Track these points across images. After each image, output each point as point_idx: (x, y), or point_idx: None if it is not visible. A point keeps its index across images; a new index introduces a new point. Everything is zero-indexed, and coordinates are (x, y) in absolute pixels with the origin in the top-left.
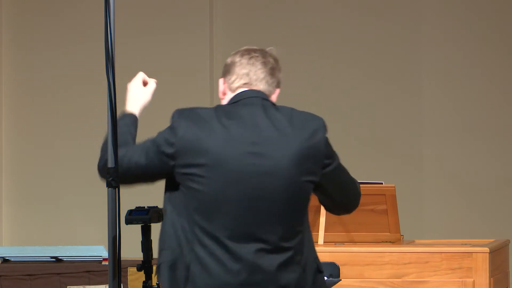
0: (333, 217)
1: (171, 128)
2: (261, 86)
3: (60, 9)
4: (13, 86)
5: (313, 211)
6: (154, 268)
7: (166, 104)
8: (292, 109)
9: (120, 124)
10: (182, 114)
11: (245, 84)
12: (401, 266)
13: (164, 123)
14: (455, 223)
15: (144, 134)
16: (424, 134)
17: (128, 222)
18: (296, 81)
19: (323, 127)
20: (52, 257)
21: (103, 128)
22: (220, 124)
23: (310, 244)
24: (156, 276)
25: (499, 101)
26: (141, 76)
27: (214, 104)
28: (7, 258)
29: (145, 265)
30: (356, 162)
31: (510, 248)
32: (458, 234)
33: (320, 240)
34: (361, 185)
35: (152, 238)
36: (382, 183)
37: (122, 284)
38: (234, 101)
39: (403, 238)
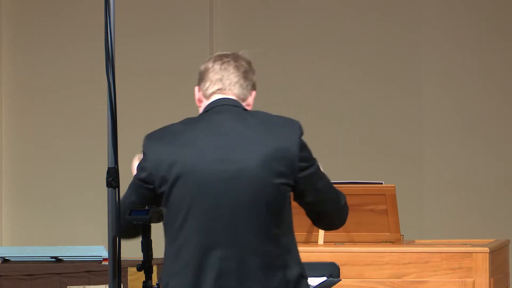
0: None
1: (143, 155)
2: (235, 90)
3: (60, 9)
4: (13, 86)
5: None
6: (155, 268)
7: (166, 104)
8: (265, 114)
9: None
10: (150, 137)
11: (218, 89)
12: (401, 266)
13: (163, 123)
14: (455, 223)
15: (144, 134)
16: (424, 134)
17: (128, 222)
18: (296, 81)
19: (297, 130)
20: (52, 257)
21: (103, 128)
22: (188, 135)
23: (292, 248)
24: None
25: (499, 101)
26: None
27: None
28: (7, 258)
29: (145, 265)
30: (356, 162)
31: (510, 248)
32: (458, 234)
33: (320, 240)
34: (361, 185)
35: (152, 238)
36: (382, 183)
37: (122, 284)
38: (206, 110)
39: (403, 238)
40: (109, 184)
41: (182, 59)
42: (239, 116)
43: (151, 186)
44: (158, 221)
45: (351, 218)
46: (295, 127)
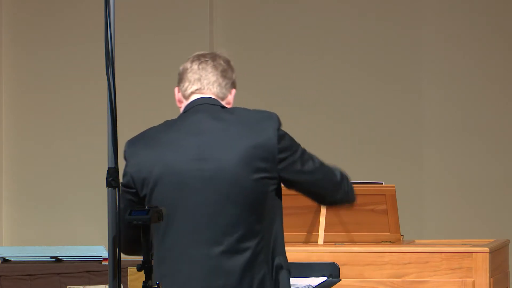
0: (333, 217)
1: (125, 160)
2: (213, 89)
3: (60, 9)
4: (13, 86)
5: (313, 211)
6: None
7: (166, 104)
8: (243, 110)
9: None
10: (130, 143)
11: (197, 89)
12: (401, 266)
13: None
14: (455, 223)
15: None
16: (424, 134)
17: (128, 222)
18: (296, 81)
19: (275, 123)
20: (52, 257)
21: (103, 128)
22: (167, 137)
23: (277, 240)
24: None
25: (499, 101)
26: None
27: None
28: (7, 258)
29: (145, 265)
30: (356, 162)
31: (510, 248)
32: (458, 234)
33: (320, 240)
34: (361, 185)
35: (155, 238)
36: (382, 183)
37: (122, 284)
38: (185, 110)
39: (403, 238)
40: (109, 184)
41: (182, 59)
42: (217, 114)
43: (133, 190)
44: (158, 221)
45: (351, 218)
46: (272, 120)
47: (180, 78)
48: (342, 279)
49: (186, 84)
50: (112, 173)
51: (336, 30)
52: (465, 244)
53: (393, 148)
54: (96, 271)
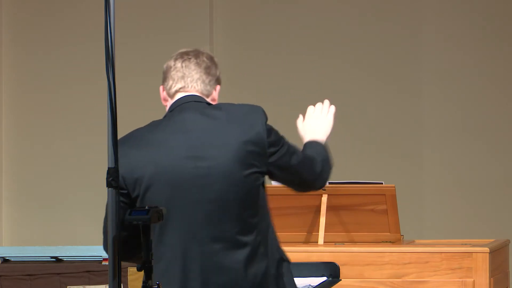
0: (333, 217)
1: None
2: (197, 87)
3: (60, 9)
4: (13, 86)
5: (313, 211)
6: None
7: None
8: (230, 105)
9: None
10: (119, 144)
11: (181, 88)
12: (401, 266)
13: None
14: (455, 223)
15: None
16: (424, 134)
17: (128, 222)
18: (296, 81)
19: (262, 117)
20: (52, 257)
21: (103, 128)
22: (156, 137)
23: (270, 233)
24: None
25: (499, 101)
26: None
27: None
28: (7, 258)
29: (145, 265)
30: (356, 162)
31: (510, 248)
32: (458, 234)
33: (320, 240)
34: (361, 185)
35: (152, 238)
36: (382, 183)
37: (122, 284)
38: (171, 109)
39: (403, 238)
40: (109, 184)
41: None
42: (204, 111)
43: (125, 191)
44: (158, 220)
45: (351, 218)
46: (259, 113)
47: (164, 77)
48: (342, 279)
49: (170, 82)
50: (112, 173)
51: (336, 30)
52: (465, 244)
53: (393, 148)
54: (96, 271)
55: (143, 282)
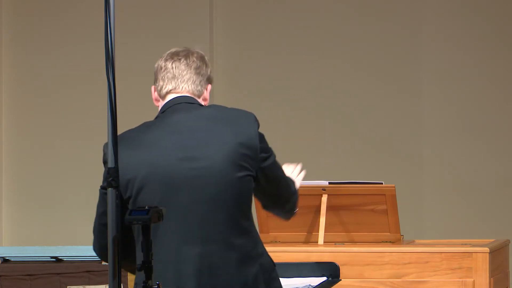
0: (333, 217)
1: (104, 164)
2: (188, 88)
3: (60, 9)
4: (13, 86)
5: (313, 211)
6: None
7: None
8: (222, 107)
9: None
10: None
11: (172, 89)
12: (401, 266)
13: None
14: (455, 223)
15: None
16: (424, 134)
17: (128, 222)
18: (296, 81)
19: (255, 122)
20: (52, 257)
21: (103, 128)
22: (149, 138)
23: (258, 237)
24: None
25: (499, 101)
26: None
27: (215, 103)
28: (7, 258)
29: (145, 265)
30: (356, 162)
31: (510, 248)
32: (458, 234)
33: (320, 240)
34: (361, 185)
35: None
36: (382, 183)
37: (122, 284)
38: (162, 110)
39: (403, 238)
40: (109, 184)
41: None
42: (196, 112)
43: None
44: (158, 220)
45: (351, 218)
46: (252, 119)
47: (155, 77)
48: (342, 279)
49: (161, 83)
50: (112, 173)
51: (336, 30)
52: (465, 244)
53: (393, 148)
54: (96, 271)
55: (143, 282)
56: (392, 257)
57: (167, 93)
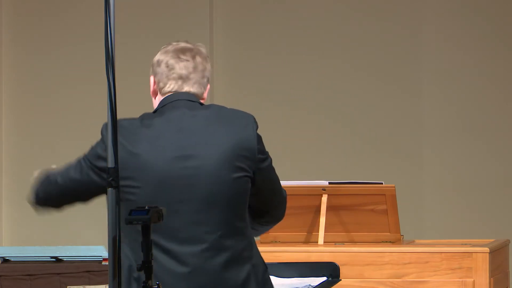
0: (333, 217)
1: (102, 143)
2: (192, 90)
3: (60, 9)
4: (13, 86)
5: (313, 211)
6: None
7: None
8: (220, 107)
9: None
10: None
11: (176, 89)
12: (401, 266)
13: None
14: (455, 223)
15: None
16: (424, 134)
17: (128, 222)
18: (296, 81)
19: (253, 123)
20: (52, 257)
21: None
22: (146, 132)
23: (253, 239)
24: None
25: (499, 101)
26: None
27: (215, 103)
28: (7, 258)
29: (145, 265)
30: (356, 162)
31: (510, 248)
32: (458, 234)
33: (320, 240)
34: (361, 185)
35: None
36: (382, 183)
37: (122, 284)
38: (161, 106)
39: (403, 238)
40: (109, 184)
41: None
42: (196, 111)
43: (105, 176)
44: (158, 220)
45: (351, 218)
46: (251, 120)
47: (157, 71)
48: (342, 279)
49: (165, 81)
50: (112, 173)
51: (336, 30)
52: (465, 244)
53: (393, 148)
54: (96, 271)
55: (143, 282)
56: (392, 257)
57: (169, 91)
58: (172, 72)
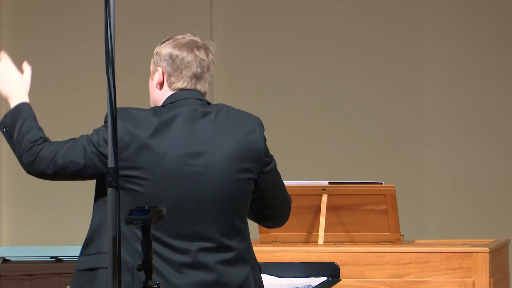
0: (333, 217)
1: (105, 127)
2: (202, 88)
3: (60, 9)
4: None
5: (313, 211)
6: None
7: None
8: (228, 107)
9: (26, 122)
10: (121, 114)
11: (189, 84)
12: (401, 266)
13: None
14: (455, 223)
15: None
16: (424, 134)
17: (128, 222)
18: (296, 81)
19: (260, 125)
20: (52, 257)
21: None
22: (156, 125)
23: (250, 241)
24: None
25: (499, 101)
26: (9, 62)
27: (215, 103)
28: (7, 258)
29: (145, 265)
30: (356, 162)
31: (510, 248)
32: (458, 234)
33: (320, 240)
34: (361, 185)
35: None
36: (382, 183)
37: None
38: (170, 101)
39: (403, 238)
40: (109, 184)
41: None
42: (205, 109)
43: (105, 161)
44: (158, 220)
45: (351, 218)
46: (258, 122)
47: (169, 65)
48: (342, 279)
49: (178, 76)
50: (112, 173)
51: (336, 30)
52: (465, 244)
53: (393, 148)
54: None
55: (143, 282)
56: (392, 257)
57: (181, 88)
58: (188, 70)
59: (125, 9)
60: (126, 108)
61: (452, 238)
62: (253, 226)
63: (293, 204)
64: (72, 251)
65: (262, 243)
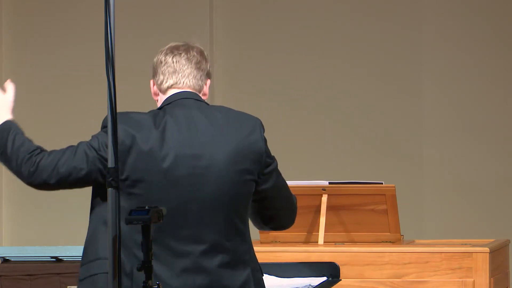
0: (333, 217)
1: (103, 131)
2: (189, 83)
3: (60, 9)
4: None
5: (313, 211)
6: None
7: None
8: (228, 109)
9: (17, 136)
10: (120, 119)
11: (173, 84)
12: (401, 266)
13: None
14: (455, 223)
15: None
16: (424, 134)
17: (128, 222)
18: (296, 81)
19: (261, 126)
20: (52, 257)
21: None
22: (156, 128)
23: (251, 243)
24: None
25: (499, 101)
26: None
27: (215, 103)
28: (7, 258)
29: (145, 265)
30: (356, 162)
31: (510, 248)
32: (458, 234)
33: (320, 240)
34: (361, 185)
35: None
36: (382, 183)
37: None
38: (167, 103)
39: (403, 238)
40: (109, 184)
41: None
42: (204, 111)
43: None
44: (158, 220)
45: (351, 218)
46: (258, 123)
47: (155, 71)
48: (342, 279)
49: (161, 77)
50: (112, 173)
51: (336, 30)
52: (465, 244)
53: (393, 148)
54: None
55: (143, 282)
56: (392, 257)
57: (169, 87)
58: (167, 67)
59: (125, 9)
60: (125, 112)
61: (452, 238)
62: (253, 226)
63: None
64: (72, 251)
65: (262, 243)
